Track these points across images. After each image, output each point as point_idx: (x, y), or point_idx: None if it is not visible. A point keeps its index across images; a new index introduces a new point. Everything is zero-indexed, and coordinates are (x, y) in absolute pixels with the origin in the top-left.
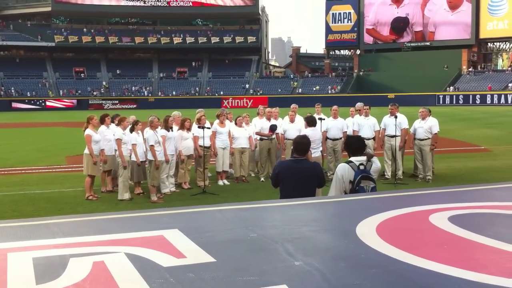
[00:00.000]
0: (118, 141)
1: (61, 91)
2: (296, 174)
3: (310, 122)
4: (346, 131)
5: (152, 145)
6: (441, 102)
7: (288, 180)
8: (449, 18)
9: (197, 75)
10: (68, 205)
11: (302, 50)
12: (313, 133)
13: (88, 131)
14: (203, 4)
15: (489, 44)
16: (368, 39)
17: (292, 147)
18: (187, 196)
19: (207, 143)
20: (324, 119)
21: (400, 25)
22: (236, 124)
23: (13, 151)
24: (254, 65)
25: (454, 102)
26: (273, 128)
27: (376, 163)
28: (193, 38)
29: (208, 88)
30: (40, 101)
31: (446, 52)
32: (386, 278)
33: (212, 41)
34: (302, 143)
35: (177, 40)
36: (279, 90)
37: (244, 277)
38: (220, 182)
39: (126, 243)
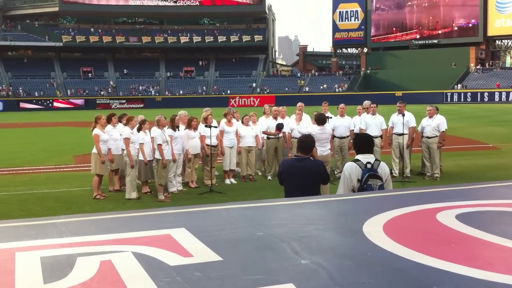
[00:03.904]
0: (126, 140)
1: (68, 91)
2: (299, 172)
3: (320, 120)
4: (353, 130)
5: (159, 144)
6: (449, 100)
7: (291, 179)
8: (457, 14)
9: (204, 74)
10: (76, 204)
11: (309, 49)
12: (322, 132)
13: (96, 130)
14: (211, 3)
15: (497, 41)
16: (377, 32)
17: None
18: (194, 195)
19: (214, 142)
20: (331, 117)
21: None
22: (242, 123)
23: (21, 150)
24: (261, 64)
25: (462, 100)
26: (279, 126)
27: (382, 167)
28: (200, 37)
29: (215, 87)
30: (48, 101)
31: (454, 49)
32: (393, 277)
33: (219, 40)
34: (306, 142)
35: (184, 39)
36: (286, 89)
37: (250, 276)
38: (227, 181)
39: (133, 242)
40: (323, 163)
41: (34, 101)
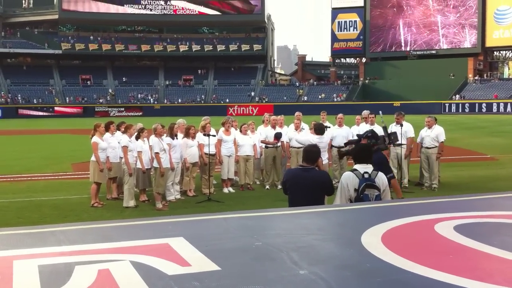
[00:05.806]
0: (125, 149)
1: (67, 98)
2: (304, 182)
3: (319, 130)
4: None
5: (157, 153)
6: (447, 111)
7: (295, 188)
8: (455, 25)
9: (203, 83)
10: (74, 212)
11: (308, 58)
12: (320, 141)
13: (95, 138)
14: (210, 13)
15: (495, 52)
16: (376, 42)
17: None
18: (192, 203)
19: (212, 150)
20: (329, 127)
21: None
22: (241, 131)
23: (19, 158)
24: (259, 73)
25: (460, 111)
26: (278, 136)
27: (380, 177)
28: (199, 46)
29: (213, 95)
30: (47, 108)
31: (452, 60)
32: (391, 287)
33: (218, 49)
34: (312, 152)
35: (183, 48)
36: (285, 98)
37: (249, 286)
38: (225, 190)
39: (131, 251)
40: (328, 174)
41: (33, 108)
